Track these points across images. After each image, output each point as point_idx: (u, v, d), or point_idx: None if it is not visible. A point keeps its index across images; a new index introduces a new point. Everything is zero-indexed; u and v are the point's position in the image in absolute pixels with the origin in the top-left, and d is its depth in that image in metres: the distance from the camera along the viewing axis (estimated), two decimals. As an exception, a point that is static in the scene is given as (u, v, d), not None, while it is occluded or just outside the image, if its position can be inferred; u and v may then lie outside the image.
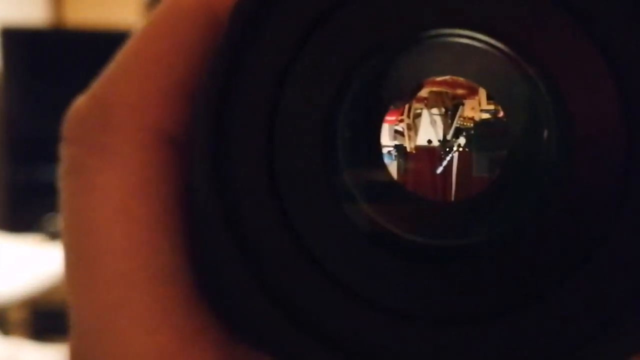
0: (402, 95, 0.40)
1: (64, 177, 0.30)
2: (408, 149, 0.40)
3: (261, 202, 0.28)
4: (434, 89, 0.41)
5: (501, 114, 0.38)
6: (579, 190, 0.30)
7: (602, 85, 0.30)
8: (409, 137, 0.41)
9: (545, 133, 0.35)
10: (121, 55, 0.31)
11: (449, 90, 0.41)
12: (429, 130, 0.40)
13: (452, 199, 0.39)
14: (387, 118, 0.40)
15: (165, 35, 0.30)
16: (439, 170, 0.39)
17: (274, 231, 0.28)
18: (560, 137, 0.33)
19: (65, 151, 0.30)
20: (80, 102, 0.31)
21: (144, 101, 0.29)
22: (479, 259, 0.31)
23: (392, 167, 0.41)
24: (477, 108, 0.40)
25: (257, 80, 0.28)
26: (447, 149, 0.40)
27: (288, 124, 0.29)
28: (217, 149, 0.28)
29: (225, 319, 0.31)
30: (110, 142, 0.29)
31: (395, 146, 0.42)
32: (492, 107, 0.39)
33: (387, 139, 0.42)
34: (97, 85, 0.31)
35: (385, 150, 0.42)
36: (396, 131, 0.42)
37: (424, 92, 0.42)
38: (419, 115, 0.42)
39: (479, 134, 0.40)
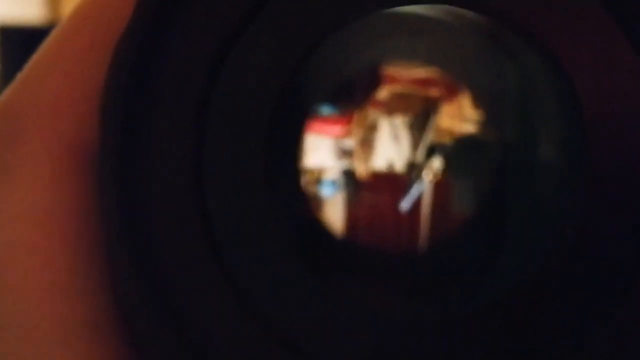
0: (349, 93, 0.30)
1: None
2: (359, 176, 0.31)
3: (187, 243, 0.25)
4: (398, 89, 0.30)
5: (491, 123, 0.29)
6: (595, 239, 0.25)
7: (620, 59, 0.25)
8: (362, 158, 0.31)
9: (550, 149, 0.28)
10: (35, 57, 0.28)
11: (418, 91, 0.30)
12: (390, 148, 0.31)
13: (423, 251, 0.30)
14: (328, 129, 0.29)
15: (86, 29, 0.27)
16: (404, 206, 0.30)
17: (199, 273, 0.25)
18: (571, 158, 0.27)
19: None
20: None
21: (59, 109, 0.27)
22: (461, 331, 0.25)
23: (335, 203, 0.30)
24: (459, 116, 0.30)
25: (175, 95, 0.25)
26: (416, 175, 0.31)
27: (217, 154, 0.25)
28: (127, 166, 0.24)
29: None
30: (15, 159, 0.26)
31: (344, 173, 0.31)
32: (479, 113, 0.29)
33: (329, 160, 0.30)
34: (6, 92, 0.28)
35: (328, 178, 0.30)
36: (344, 151, 0.31)
37: (383, 93, 0.30)
38: (375, 127, 0.31)
39: (461, 152, 0.30)
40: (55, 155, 0.27)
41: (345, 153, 0.31)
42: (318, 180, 0.31)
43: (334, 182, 0.31)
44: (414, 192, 0.31)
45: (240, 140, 0.25)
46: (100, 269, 0.27)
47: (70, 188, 0.27)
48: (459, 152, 0.30)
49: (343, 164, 0.31)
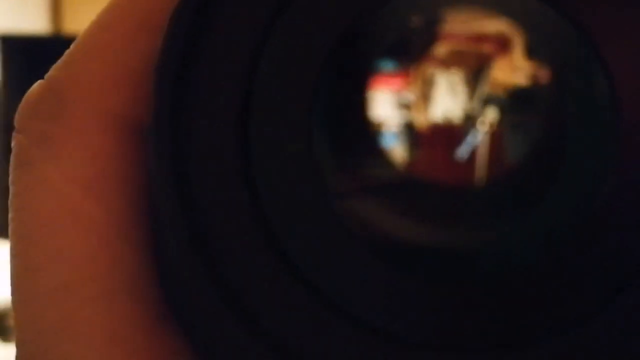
0: (408, 49, 0.30)
1: (12, 172, 0.28)
2: (418, 128, 0.32)
3: (234, 208, 0.24)
4: (454, 45, 0.31)
5: (545, 74, 0.29)
6: (626, 195, 0.23)
7: None
8: (420, 110, 0.31)
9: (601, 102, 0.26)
10: (83, 33, 0.28)
11: (473, 47, 0.31)
12: (447, 100, 0.32)
13: (477, 191, 0.30)
14: (387, 83, 0.29)
15: (133, 5, 0.27)
16: (461, 154, 0.31)
17: (247, 240, 0.24)
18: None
19: (14, 143, 0.28)
20: (34, 88, 0.28)
21: (103, 82, 0.27)
22: (502, 278, 0.24)
23: (397, 152, 0.30)
24: (511, 68, 0.30)
25: (226, 62, 0.24)
26: (471, 126, 0.32)
27: (265, 113, 0.24)
28: (178, 143, 0.24)
29: (195, 345, 0.26)
30: (60, 130, 0.27)
31: (404, 125, 0.32)
32: (531, 66, 0.29)
33: (389, 113, 0.31)
34: (53, 68, 0.28)
35: (387, 130, 0.31)
36: (402, 104, 0.31)
37: (440, 50, 0.31)
38: (432, 82, 0.32)
39: (515, 103, 0.31)
40: (104, 127, 0.27)
41: (404, 106, 0.32)
42: (379, 133, 0.32)
43: (394, 134, 0.32)
44: (469, 141, 0.32)
45: (291, 109, 0.24)
46: (146, 233, 0.27)
47: (120, 159, 0.27)
48: (513, 103, 0.31)
49: (403, 116, 0.32)
